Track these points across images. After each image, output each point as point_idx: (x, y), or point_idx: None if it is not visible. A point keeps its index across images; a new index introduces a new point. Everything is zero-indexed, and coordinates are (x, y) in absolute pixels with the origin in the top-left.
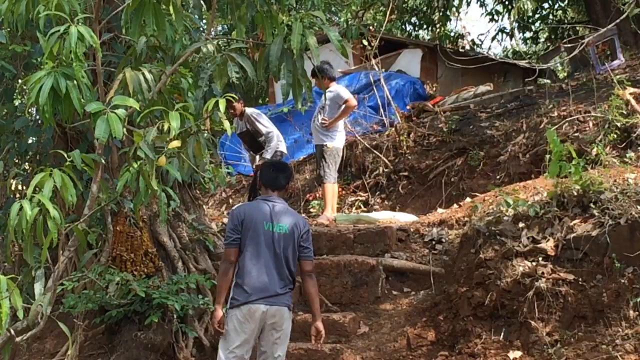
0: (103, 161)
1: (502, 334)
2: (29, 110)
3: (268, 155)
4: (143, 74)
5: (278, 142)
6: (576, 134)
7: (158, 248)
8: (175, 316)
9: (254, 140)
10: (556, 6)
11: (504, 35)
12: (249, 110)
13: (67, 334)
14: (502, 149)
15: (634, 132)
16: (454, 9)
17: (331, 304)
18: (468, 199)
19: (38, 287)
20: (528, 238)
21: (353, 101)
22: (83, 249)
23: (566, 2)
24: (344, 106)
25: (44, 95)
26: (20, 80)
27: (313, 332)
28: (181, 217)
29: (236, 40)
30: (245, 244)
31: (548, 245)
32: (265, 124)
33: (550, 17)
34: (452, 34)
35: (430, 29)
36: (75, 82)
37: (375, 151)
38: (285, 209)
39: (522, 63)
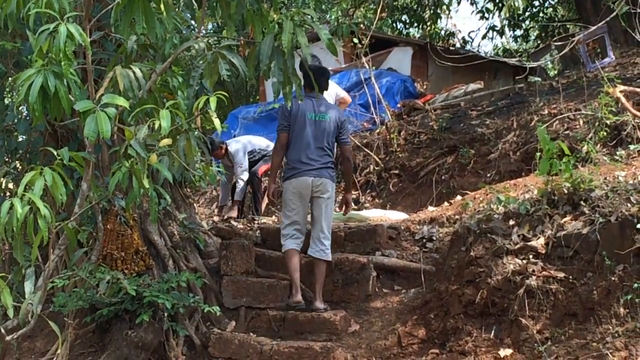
0: (93, 159)
1: (493, 331)
2: (19, 108)
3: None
4: (133, 72)
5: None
6: (566, 132)
7: (149, 246)
8: (165, 315)
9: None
10: (546, 4)
11: (495, 33)
12: (232, 150)
13: (57, 332)
14: (492, 147)
15: (624, 130)
16: (444, 7)
17: None
18: (459, 197)
19: (28, 286)
20: (518, 236)
21: (348, 98)
22: (73, 247)
23: (556, 0)
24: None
25: (33, 94)
26: (10, 79)
27: (342, 201)
28: (172, 215)
29: (227, 38)
30: (293, 130)
31: (538, 243)
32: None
33: (541, 15)
34: (443, 32)
35: (420, 27)
36: (64, 80)
37: (365, 149)
38: (327, 103)
39: (513, 61)
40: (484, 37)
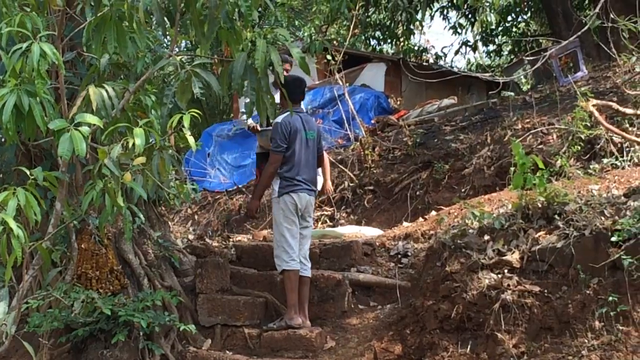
0: (67, 179)
1: (469, 346)
2: None
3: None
4: (106, 91)
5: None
6: (540, 146)
7: (123, 265)
8: (141, 334)
9: None
10: (519, 19)
11: (468, 48)
12: None
13: (31, 353)
14: (466, 162)
15: (597, 144)
16: (417, 22)
17: None
18: (433, 213)
19: (2, 306)
20: (493, 250)
21: None
22: (47, 267)
23: (529, 15)
24: None
25: (7, 113)
26: None
27: (322, 188)
28: (146, 234)
29: (200, 57)
30: (292, 149)
31: (513, 257)
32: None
33: (513, 30)
34: (416, 48)
35: (394, 43)
36: (38, 99)
37: (340, 165)
38: (309, 118)
39: (486, 76)
40: (457, 52)
